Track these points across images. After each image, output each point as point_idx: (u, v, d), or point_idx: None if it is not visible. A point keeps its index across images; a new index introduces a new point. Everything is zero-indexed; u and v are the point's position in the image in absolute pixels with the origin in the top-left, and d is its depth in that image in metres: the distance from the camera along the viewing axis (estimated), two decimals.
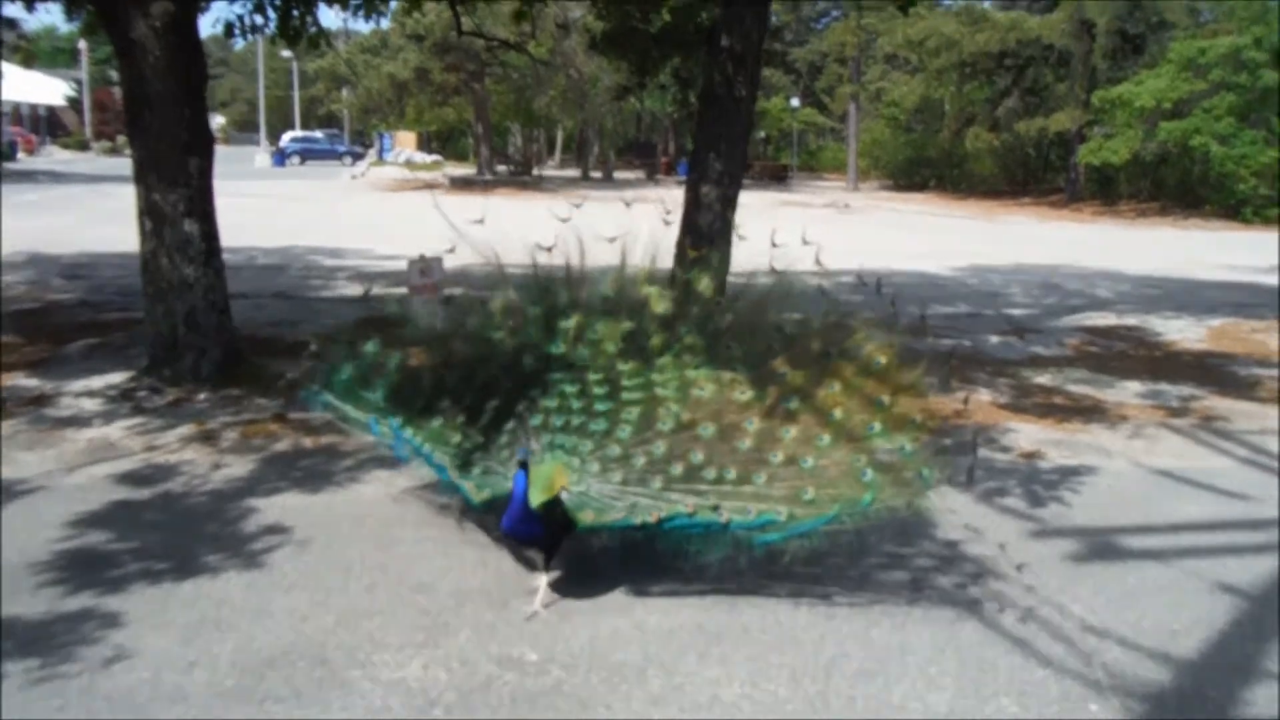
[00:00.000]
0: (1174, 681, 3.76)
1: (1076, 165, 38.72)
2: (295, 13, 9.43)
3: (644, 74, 11.36)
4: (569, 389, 4.66)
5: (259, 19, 9.62)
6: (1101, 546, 5.06)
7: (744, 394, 4.54)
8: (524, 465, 4.05)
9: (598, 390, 4.63)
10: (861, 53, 49.12)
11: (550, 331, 4.92)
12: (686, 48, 8.67)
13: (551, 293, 5.05)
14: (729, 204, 8.86)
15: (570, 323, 4.83)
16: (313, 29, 9.82)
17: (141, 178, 7.45)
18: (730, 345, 4.87)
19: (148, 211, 7.45)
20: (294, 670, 3.67)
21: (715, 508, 4.11)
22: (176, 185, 7.38)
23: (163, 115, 7.32)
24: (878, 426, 4.35)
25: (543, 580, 4.23)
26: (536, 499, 4.04)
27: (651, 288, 4.97)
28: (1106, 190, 39.04)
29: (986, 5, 44.16)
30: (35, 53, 51.70)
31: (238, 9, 9.55)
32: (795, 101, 55.51)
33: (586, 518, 4.14)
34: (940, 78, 42.92)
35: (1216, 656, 3.97)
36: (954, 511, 5.23)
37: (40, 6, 11.16)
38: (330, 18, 67.20)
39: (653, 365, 4.73)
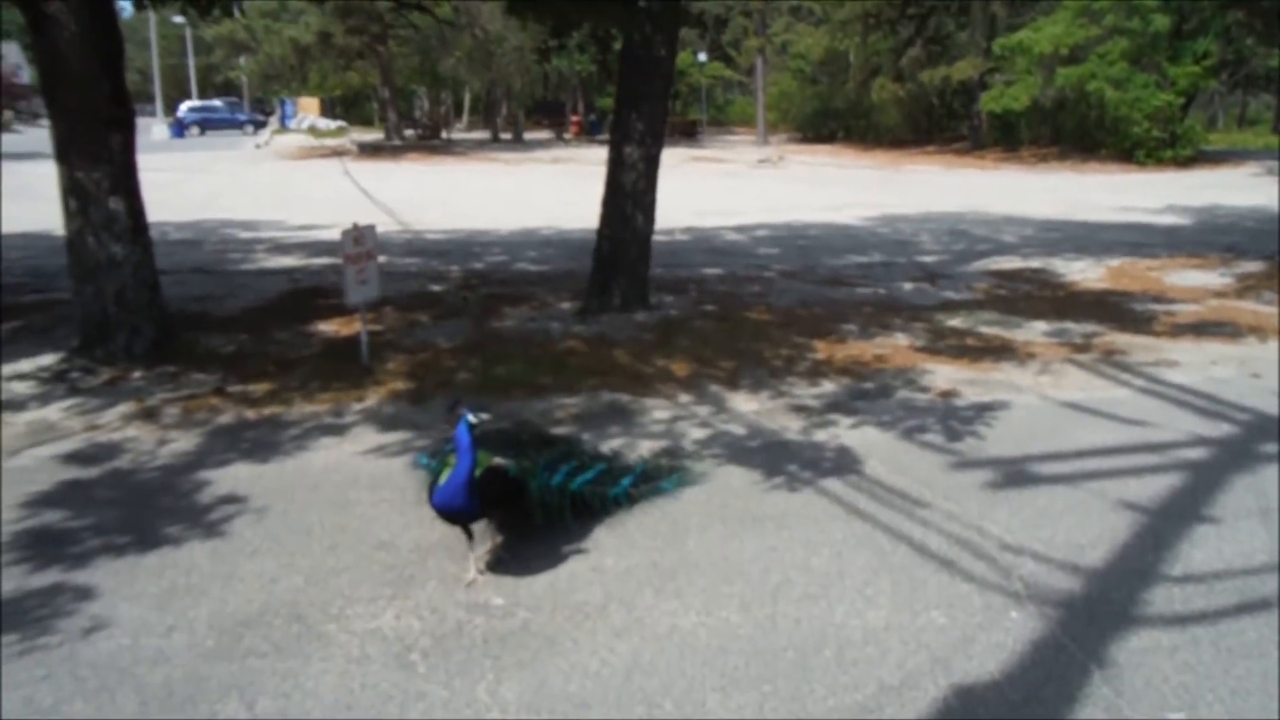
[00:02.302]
0: (1083, 588, 4.15)
1: (979, 113, 39.64)
2: None
3: (561, 35, 11.44)
4: None
5: None
6: (1015, 474, 5.45)
7: None
8: (473, 427, 4.08)
9: None
10: (767, 5, 49.37)
11: None
12: (605, 7, 8.78)
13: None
14: (652, 163, 9.09)
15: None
16: None
17: (63, 156, 7.37)
18: None
19: (71, 190, 7.38)
20: (271, 628, 3.85)
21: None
22: (99, 162, 7.33)
23: (81, 91, 7.25)
24: None
25: (471, 559, 4.26)
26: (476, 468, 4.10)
27: None
28: (1008, 137, 40.04)
29: None
30: None
31: None
32: (702, 56, 55.61)
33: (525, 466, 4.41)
34: (845, 29, 43.30)
35: (1119, 565, 4.37)
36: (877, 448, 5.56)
37: None
38: None
39: None
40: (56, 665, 3.60)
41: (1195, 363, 7.81)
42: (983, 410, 6.58)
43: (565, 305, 9.73)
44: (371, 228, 7.54)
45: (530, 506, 4.42)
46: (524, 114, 55.36)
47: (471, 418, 4.10)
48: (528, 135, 51.70)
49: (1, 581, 4.21)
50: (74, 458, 5.77)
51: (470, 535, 4.27)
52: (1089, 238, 15.45)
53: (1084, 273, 12.11)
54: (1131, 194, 22.79)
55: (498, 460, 4.34)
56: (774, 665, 3.59)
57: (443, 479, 4.14)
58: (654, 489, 4.96)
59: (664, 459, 5.54)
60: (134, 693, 3.42)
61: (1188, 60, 31.97)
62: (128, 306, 7.53)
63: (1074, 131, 37.38)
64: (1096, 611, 3.97)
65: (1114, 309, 9.86)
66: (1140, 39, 31.67)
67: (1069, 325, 9.08)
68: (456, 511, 4.15)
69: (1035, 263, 12.88)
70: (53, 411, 6.58)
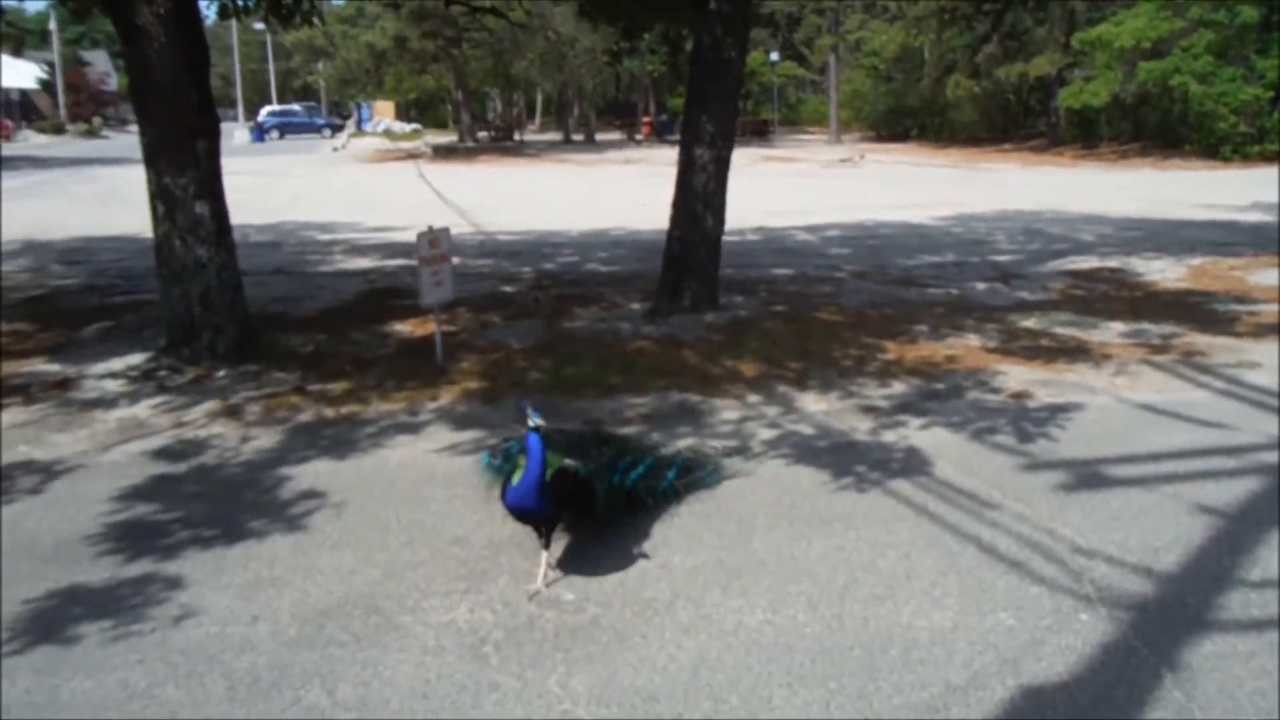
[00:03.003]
0: (1156, 592, 4.11)
1: (1057, 109, 38.93)
2: None
3: (632, 37, 11.51)
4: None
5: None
6: (1088, 476, 5.39)
7: None
8: (538, 429, 4.11)
9: None
10: (840, 2, 49.03)
11: None
12: (675, 10, 8.84)
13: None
14: (722, 164, 9.13)
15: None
16: (304, 5, 9.93)
17: (151, 162, 7.64)
18: None
19: (159, 195, 7.65)
20: (350, 619, 3.98)
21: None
22: (186, 168, 7.58)
23: (170, 100, 7.50)
24: None
25: (543, 558, 4.28)
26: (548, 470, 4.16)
27: None
28: (1087, 133, 39.26)
29: None
30: (26, 40, 51.11)
31: None
32: (774, 55, 55.42)
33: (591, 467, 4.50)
34: (919, 25, 42.83)
35: (1195, 569, 4.31)
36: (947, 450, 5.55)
37: None
38: None
39: None
40: (149, 651, 3.76)
41: (1278, 365, 7.63)
42: (1056, 412, 6.52)
43: (635, 306, 9.82)
44: (446, 230, 7.70)
45: (597, 505, 4.50)
46: (595, 115, 55.68)
47: (534, 420, 4.12)
48: (599, 136, 52.00)
49: (96, 571, 4.41)
50: (162, 453, 5.99)
51: (543, 537, 4.29)
52: (1170, 236, 15.12)
53: (1164, 272, 11.86)
54: (1216, 191, 22.21)
55: (567, 461, 4.42)
56: (840, 664, 3.62)
57: (515, 480, 4.20)
58: (695, 480, 5.06)
59: (702, 452, 5.65)
60: (222, 678, 3.57)
61: (1276, 53, 31.00)
62: (212, 307, 7.78)
63: (1156, 127, 36.50)
64: (1170, 615, 3.93)
65: (1194, 309, 9.66)
66: (1226, 31, 30.85)
67: (1147, 326, 8.92)
68: (529, 512, 4.21)
69: (1113, 262, 12.65)
70: (142, 409, 6.84)
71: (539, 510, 4.19)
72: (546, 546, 4.29)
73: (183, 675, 3.59)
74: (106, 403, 6.96)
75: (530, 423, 4.12)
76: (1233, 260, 12.59)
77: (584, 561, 4.43)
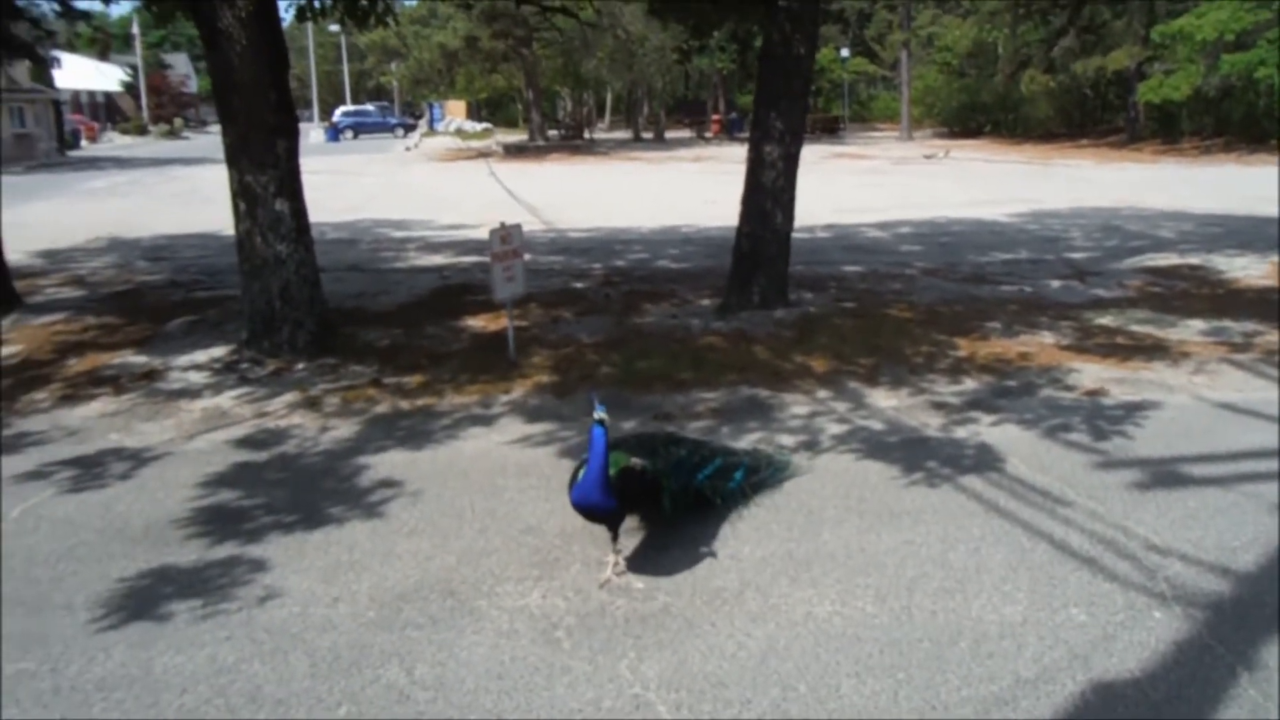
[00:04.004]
0: (1232, 591, 4.05)
1: (1136, 104, 38.09)
2: None
3: (701, 35, 11.56)
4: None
5: (328, 1, 9.98)
6: (1164, 474, 5.32)
7: None
8: (602, 423, 4.14)
9: None
10: None
11: None
12: (744, 8, 8.86)
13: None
14: (791, 161, 9.12)
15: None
16: (379, 7, 10.14)
17: (233, 161, 7.87)
18: None
19: (241, 193, 7.88)
20: (427, 602, 4.09)
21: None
22: (266, 167, 7.79)
23: (250, 101, 7.72)
24: None
25: (611, 557, 4.33)
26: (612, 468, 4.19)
27: None
28: (1168, 128, 38.35)
29: None
30: (111, 44, 52.61)
31: None
32: (845, 52, 54.98)
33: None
34: (993, 19, 42.23)
35: (1272, 568, 4.24)
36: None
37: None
38: None
39: None
40: (236, 629, 3.91)
41: None
42: (1131, 410, 6.42)
43: (705, 302, 9.86)
44: (518, 227, 7.82)
45: (664, 504, 4.52)
46: (665, 113, 55.78)
47: (599, 413, 4.13)
48: (669, 134, 52.06)
49: (184, 553, 4.59)
50: (245, 442, 6.19)
51: (614, 533, 4.33)
52: (1254, 233, 14.73)
53: (1246, 269, 11.57)
54: None
55: (634, 460, 4.42)
56: (908, 655, 3.64)
57: (579, 475, 4.24)
58: (761, 480, 5.08)
59: (767, 451, 5.63)
60: (305, 656, 3.70)
61: None
62: (291, 302, 7.98)
63: (1241, 122, 35.50)
64: (1246, 615, 3.88)
65: (1278, 307, 9.42)
66: None
67: (1228, 324, 8.73)
68: (593, 508, 4.22)
69: (1193, 259, 12.37)
70: (225, 400, 7.06)
71: (604, 506, 4.20)
72: (615, 541, 4.34)
73: (268, 652, 3.73)
74: (191, 393, 7.20)
75: (595, 415, 4.14)
76: None
77: (654, 551, 4.49)
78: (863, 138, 49.40)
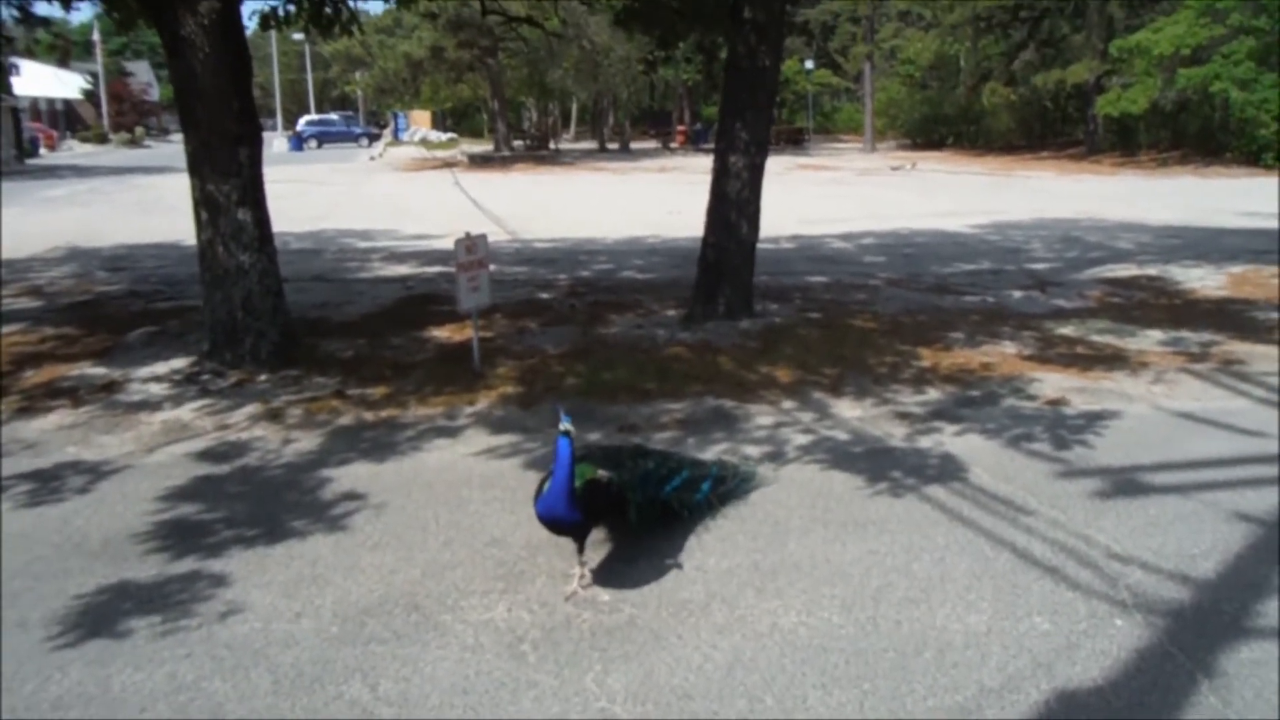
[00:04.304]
0: (1192, 598, 4.11)
1: (1095, 117, 38.66)
2: (328, 3, 9.70)
3: (667, 46, 11.58)
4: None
5: (292, 9, 9.90)
6: (1124, 483, 5.38)
7: None
8: (568, 435, 4.11)
9: None
10: (875, 11, 48.94)
11: None
12: (709, 20, 8.90)
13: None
14: (756, 172, 9.17)
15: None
16: (344, 16, 10.07)
17: (195, 170, 7.79)
18: None
19: (203, 202, 7.79)
20: (391, 616, 4.06)
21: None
22: (229, 176, 7.71)
23: (213, 109, 7.64)
24: None
25: (577, 570, 4.30)
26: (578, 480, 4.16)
27: None
28: (1126, 141, 38.93)
29: None
30: (72, 50, 51.95)
31: (272, 1, 9.81)
32: (809, 64, 55.35)
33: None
34: (955, 33, 42.75)
35: (1231, 576, 4.30)
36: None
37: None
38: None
39: None
40: (196, 645, 3.86)
41: None
42: (1092, 419, 6.50)
43: (670, 312, 9.87)
44: (483, 237, 7.79)
45: (630, 516, 4.49)
46: (630, 124, 55.89)
47: (564, 424, 4.11)
48: (634, 145, 52.17)
49: (144, 568, 4.52)
50: (206, 455, 6.11)
51: (580, 546, 4.30)
52: (1210, 244, 14.98)
53: (1203, 280, 11.76)
54: (1258, 199, 21.93)
55: (600, 472, 4.38)
56: (874, 665, 3.65)
57: (545, 488, 4.21)
58: (728, 491, 5.02)
59: (733, 462, 5.57)
60: (267, 672, 3.65)
61: None
62: (254, 313, 7.90)
63: (1196, 135, 36.13)
64: (1206, 622, 3.93)
65: (1234, 317, 9.58)
66: (1268, 37, 30.45)
67: (1185, 334, 8.86)
68: (558, 520, 4.18)
69: (1152, 270, 12.55)
70: (185, 412, 6.96)
71: (569, 519, 4.16)
72: (580, 554, 4.31)
73: (229, 669, 3.68)
74: (151, 405, 7.10)
75: (561, 427, 4.12)
76: (1274, 268, 12.43)
77: (620, 563, 4.48)
78: (827, 149, 49.76)
